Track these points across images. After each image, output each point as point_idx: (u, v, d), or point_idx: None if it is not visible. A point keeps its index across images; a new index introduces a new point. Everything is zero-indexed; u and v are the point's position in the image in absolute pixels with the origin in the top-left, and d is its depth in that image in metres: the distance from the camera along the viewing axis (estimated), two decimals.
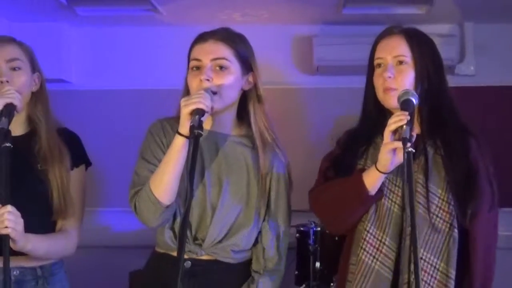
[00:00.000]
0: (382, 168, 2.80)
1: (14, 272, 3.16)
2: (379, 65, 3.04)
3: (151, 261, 3.36)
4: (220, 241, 3.16)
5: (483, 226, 3.02)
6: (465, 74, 7.44)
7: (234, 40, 3.20)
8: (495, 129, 6.27)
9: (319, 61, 7.22)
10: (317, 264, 6.46)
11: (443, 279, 2.91)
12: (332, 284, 6.29)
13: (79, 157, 3.56)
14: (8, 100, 3.02)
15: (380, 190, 2.95)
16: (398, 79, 2.97)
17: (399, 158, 2.73)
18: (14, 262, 3.02)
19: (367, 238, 2.97)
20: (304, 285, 6.57)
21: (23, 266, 3.25)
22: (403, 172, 2.60)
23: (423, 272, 2.88)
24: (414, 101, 2.80)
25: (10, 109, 3.00)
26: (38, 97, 3.41)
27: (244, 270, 3.28)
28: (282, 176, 3.31)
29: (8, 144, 2.88)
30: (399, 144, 2.69)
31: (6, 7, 6.49)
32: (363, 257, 2.96)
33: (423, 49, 3.05)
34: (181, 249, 2.57)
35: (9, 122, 2.95)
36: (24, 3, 6.43)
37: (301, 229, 6.59)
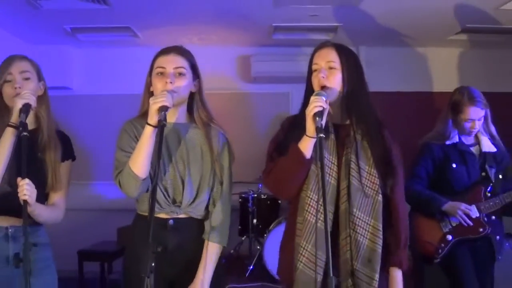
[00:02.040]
0: (310, 133, 2.80)
1: (10, 230, 3.24)
2: (315, 69, 3.04)
3: (136, 221, 3.35)
4: (193, 201, 3.21)
5: (401, 194, 3.14)
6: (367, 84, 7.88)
7: (188, 54, 3.27)
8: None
9: (256, 73, 8.06)
10: (254, 221, 7.08)
11: (374, 232, 2.97)
12: (265, 235, 6.72)
13: (68, 154, 3.57)
14: (26, 101, 3.11)
15: (312, 157, 2.94)
16: (330, 78, 2.96)
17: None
18: (9, 222, 3.21)
19: (311, 204, 2.96)
20: (245, 236, 7.29)
21: (15, 225, 3.29)
22: (320, 154, 2.65)
23: (359, 228, 2.96)
24: (324, 98, 2.80)
25: (27, 108, 3.10)
26: (42, 99, 3.43)
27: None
28: (226, 148, 3.33)
29: (26, 133, 3.00)
30: (311, 111, 2.76)
31: (29, 33, 7.23)
32: (308, 218, 2.96)
33: (348, 58, 3.05)
34: (151, 211, 2.65)
35: (26, 117, 3.07)
36: (40, 31, 7.15)
37: (243, 195, 7.33)
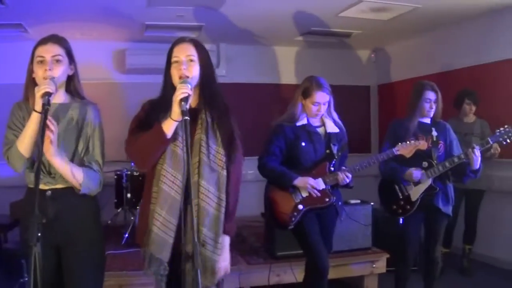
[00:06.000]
0: (175, 117, 2.96)
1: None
2: (176, 61, 3.13)
3: (26, 192, 3.37)
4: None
5: (237, 166, 3.29)
6: (220, 75, 7.67)
7: (63, 42, 3.30)
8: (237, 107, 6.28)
9: (129, 66, 8.52)
10: (128, 195, 7.27)
11: (218, 202, 3.15)
12: (137, 207, 6.92)
13: None
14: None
15: (173, 138, 3.09)
16: (190, 70, 3.09)
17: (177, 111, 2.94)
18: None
19: (166, 175, 3.11)
20: (120, 208, 7.49)
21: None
22: (186, 135, 2.71)
23: (206, 197, 3.12)
24: (189, 85, 2.96)
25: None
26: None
27: (83, 196, 3.29)
28: (98, 125, 3.40)
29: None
30: (178, 97, 2.90)
31: None
32: (163, 187, 3.09)
33: (203, 52, 3.20)
34: (36, 187, 2.69)
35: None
36: None
37: (118, 172, 7.48)
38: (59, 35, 3.35)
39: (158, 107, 3.15)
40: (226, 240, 3.27)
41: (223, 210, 3.18)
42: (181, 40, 3.24)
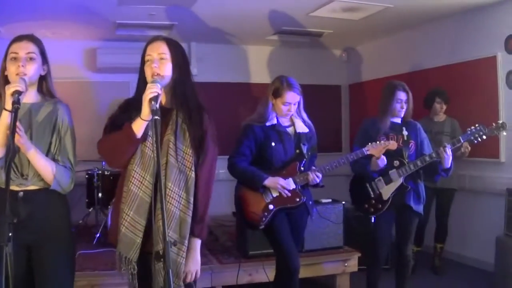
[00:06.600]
0: (144, 117, 2.93)
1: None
2: (148, 60, 3.11)
3: None
4: (35, 172, 3.23)
5: (206, 169, 3.24)
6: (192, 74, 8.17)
7: (38, 41, 3.29)
8: (208, 106, 6.17)
9: (100, 64, 8.53)
10: (100, 195, 7.25)
11: (185, 204, 3.10)
12: (109, 206, 6.79)
13: None
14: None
15: (143, 138, 3.07)
16: (161, 68, 3.06)
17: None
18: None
19: (134, 175, 3.08)
20: (92, 208, 7.48)
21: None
22: (156, 135, 2.69)
23: (172, 199, 3.08)
24: (159, 85, 2.92)
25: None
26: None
27: (57, 196, 3.29)
28: (70, 125, 3.39)
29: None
30: (148, 96, 2.85)
31: None
32: (132, 187, 3.06)
33: (177, 50, 3.16)
34: (7, 186, 2.65)
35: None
36: None
37: (89, 172, 7.45)
38: (34, 35, 3.33)
39: (132, 106, 3.12)
40: (196, 243, 3.23)
41: (190, 212, 3.13)
42: (154, 39, 3.20)
